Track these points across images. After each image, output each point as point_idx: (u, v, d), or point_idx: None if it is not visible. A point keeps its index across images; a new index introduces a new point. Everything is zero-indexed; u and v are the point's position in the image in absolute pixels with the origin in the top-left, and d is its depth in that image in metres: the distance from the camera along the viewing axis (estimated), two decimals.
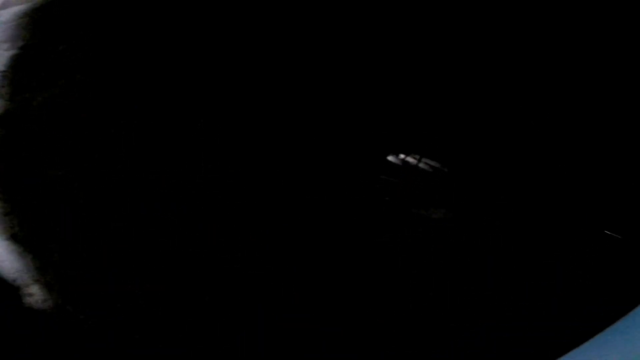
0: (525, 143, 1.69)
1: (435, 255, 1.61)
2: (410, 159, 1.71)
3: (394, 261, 1.62)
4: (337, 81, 1.86)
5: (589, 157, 1.65)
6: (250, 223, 1.69)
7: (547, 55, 1.77)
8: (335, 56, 1.89)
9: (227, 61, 1.94)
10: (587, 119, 1.68)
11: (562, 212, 1.59)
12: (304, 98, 1.86)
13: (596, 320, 1.27)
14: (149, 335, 1.60)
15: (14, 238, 1.68)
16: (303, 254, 1.65)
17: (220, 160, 1.78)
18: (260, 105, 1.86)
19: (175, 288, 1.63)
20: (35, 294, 1.61)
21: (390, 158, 1.72)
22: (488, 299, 1.52)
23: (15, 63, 1.96)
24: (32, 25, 2.03)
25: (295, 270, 1.63)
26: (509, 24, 1.83)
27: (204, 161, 1.79)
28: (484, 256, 1.58)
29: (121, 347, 1.59)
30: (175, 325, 1.60)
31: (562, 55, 1.75)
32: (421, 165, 1.71)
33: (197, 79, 1.92)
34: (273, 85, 1.89)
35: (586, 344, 1.13)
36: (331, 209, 1.70)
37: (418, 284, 1.58)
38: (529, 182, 1.65)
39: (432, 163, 1.70)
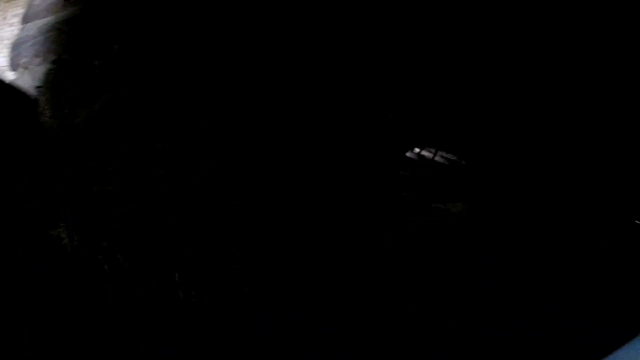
0: (525, 144, 1.69)
1: (435, 255, 1.61)
2: (426, 153, 1.69)
3: (394, 261, 1.62)
4: (345, 77, 1.85)
5: (589, 157, 1.65)
6: (250, 223, 1.69)
7: (547, 57, 1.76)
8: (342, 53, 1.89)
9: (228, 61, 1.94)
10: (586, 120, 1.68)
11: (562, 212, 1.59)
12: (307, 97, 1.86)
13: (596, 320, 1.27)
14: (149, 335, 1.60)
15: None
16: (303, 254, 1.65)
17: (220, 160, 1.78)
18: (260, 106, 1.86)
19: (175, 288, 1.63)
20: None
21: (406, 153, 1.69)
22: (488, 299, 1.52)
23: (51, 79, 1.93)
24: (62, 39, 1.99)
25: (295, 270, 1.63)
26: (514, 25, 1.83)
27: (204, 161, 1.78)
28: (484, 256, 1.58)
29: (122, 347, 1.59)
30: (175, 325, 1.60)
31: (562, 56, 1.75)
32: (437, 158, 1.69)
33: (197, 79, 1.92)
34: (275, 84, 1.89)
35: None
36: (331, 209, 1.70)
37: (418, 284, 1.58)
38: (529, 182, 1.65)
39: (448, 156, 1.69)
